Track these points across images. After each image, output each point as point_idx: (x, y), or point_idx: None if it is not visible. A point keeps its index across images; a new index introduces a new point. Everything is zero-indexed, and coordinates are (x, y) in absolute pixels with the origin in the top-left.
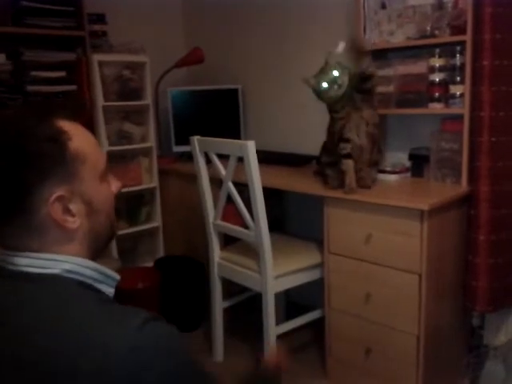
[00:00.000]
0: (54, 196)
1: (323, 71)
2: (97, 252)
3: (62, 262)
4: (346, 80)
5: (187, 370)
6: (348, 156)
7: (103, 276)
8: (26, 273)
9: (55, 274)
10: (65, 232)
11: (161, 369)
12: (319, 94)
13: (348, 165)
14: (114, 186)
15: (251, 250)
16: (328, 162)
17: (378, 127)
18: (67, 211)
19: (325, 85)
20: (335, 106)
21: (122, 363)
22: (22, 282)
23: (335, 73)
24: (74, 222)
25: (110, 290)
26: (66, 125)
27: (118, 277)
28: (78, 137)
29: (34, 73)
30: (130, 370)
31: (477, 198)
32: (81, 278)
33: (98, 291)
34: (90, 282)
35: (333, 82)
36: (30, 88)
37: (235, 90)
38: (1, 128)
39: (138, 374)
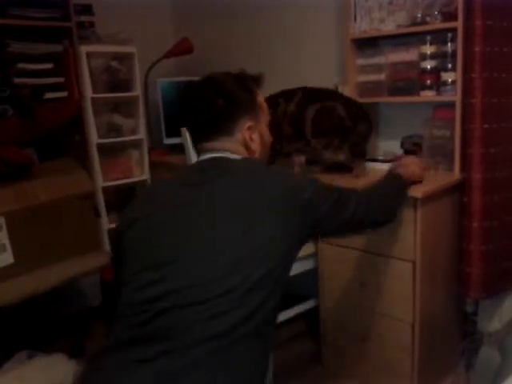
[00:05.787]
0: (248, 125)
1: None
2: None
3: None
4: None
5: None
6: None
7: None
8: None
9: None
10: (247, 150)
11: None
12: None
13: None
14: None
15: None
16: None
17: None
18: (251, 138)
19: None
20: None
21: (305, 194)
22: (220, 159)
23: None
24: (253, 145)
25: None
26: (255, 87)
27: None
28: (260, 95)
29: (20, 65)
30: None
31: (469, 185)
32: None
33: None
34: None
35: None
36: (17, 80)
37: None
38: (224, 82)
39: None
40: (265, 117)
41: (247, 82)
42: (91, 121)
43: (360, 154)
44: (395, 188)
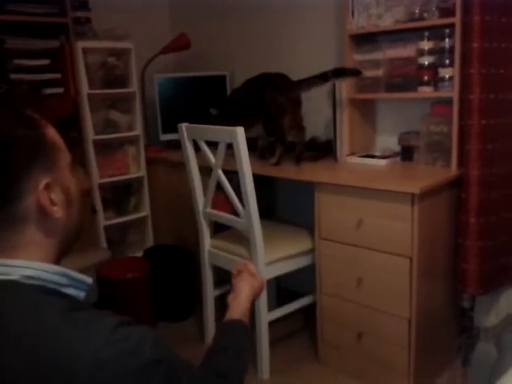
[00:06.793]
0: (44, 183)
1: None
2: (64, 252)
3: (22, 267)
4: None
5: (161, 368)
6: None
7: (71, 280)
8: None
9: (13, 280)
10: (46, 224)
11: (134, 368)
12: None
13: None
14: (80, 181)
15: (242, 238)
16: None
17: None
18: (52, 202)
19: None
20: None
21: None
22: None
23: None
24: (57, 212)
25: (80, 294)
26: (35, 115)
27: (89, 280)
28: (49, 126)
29: (17, 61)
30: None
31: (467, 181)
32: (43, 284)
33: (65, 296)
34: (54, 286)
35: None
36: (14, 76)
37: (223, 77)
38: None
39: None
40: (66, 158)
41: (24, 110)
42: (87, 117)
43: (274, 132)
44: (235, 349)
